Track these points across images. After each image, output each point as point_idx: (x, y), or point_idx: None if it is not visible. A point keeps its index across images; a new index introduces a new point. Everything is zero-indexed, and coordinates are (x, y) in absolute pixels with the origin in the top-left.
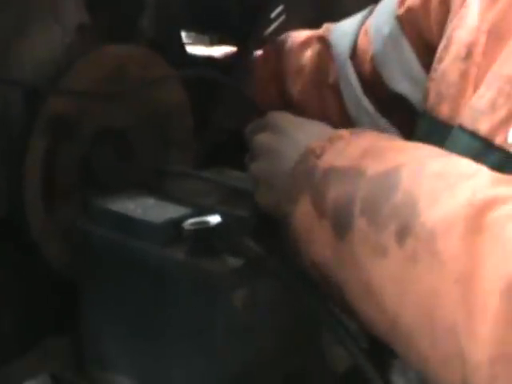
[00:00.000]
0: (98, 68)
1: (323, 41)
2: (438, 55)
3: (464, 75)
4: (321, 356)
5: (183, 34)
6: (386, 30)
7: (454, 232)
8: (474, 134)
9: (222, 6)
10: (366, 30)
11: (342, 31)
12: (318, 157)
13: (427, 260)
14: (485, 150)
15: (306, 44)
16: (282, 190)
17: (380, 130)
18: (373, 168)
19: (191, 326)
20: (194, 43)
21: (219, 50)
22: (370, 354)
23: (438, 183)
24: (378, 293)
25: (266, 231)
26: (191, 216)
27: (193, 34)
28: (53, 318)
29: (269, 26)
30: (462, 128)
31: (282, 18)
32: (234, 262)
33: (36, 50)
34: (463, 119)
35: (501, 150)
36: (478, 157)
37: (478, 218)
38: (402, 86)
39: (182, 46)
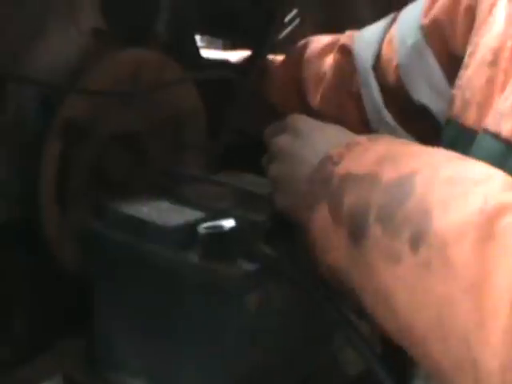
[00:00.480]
0: (112, 72)
1: (346, 49)
2: (464, 63)
3: (490, 81)
4: (333, 359)
5: (197, 38)
6: (410, 40)
7: (465, 240)
8: (496, 137)
9: (236, 10)
10: (390, 39)
11: (366, 40)
12: (336, 164)
13: (440, 268)
14: (507, 152)
15: (326, 51)
16: (300, 195)
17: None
18: (388, 175)
19: (204, 328)
20: (207, 46)
21: (233, 54)
22: (383, 358)
23: (451, 190)
24: (391, 299)
25: (279, 235)
26: (205, 220)
27: (206, 37)
28: (66, 320)
29: (283, 29)
30: (486, 132)
31: (296, 21)
32: (247, 265)
33: (52, 53)
34: (488, 123)
35: None
36: (501, 160)
37: (489, 225)
38: (425, 97)
39: (196, 49)
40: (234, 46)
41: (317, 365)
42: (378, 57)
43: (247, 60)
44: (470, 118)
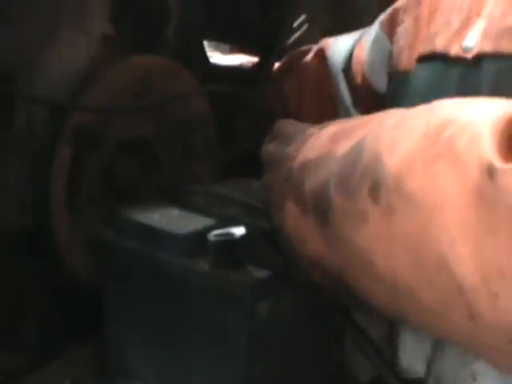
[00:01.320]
0: (122, 78)
1: (322, 53)
2: (399, 20)
3: (417, 19)
4: (344, 366)
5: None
6: (371, 36)
7: (415, 168)
8: (431, 56)
9: (244, 16)
10: (361, 45)
11: (340, 45)
12: (294, 159)
13: (403, 206)
14: (444, 68)
15: (310, 58)
16: (271, 200)
17: None
18: (341, 147)
19: (215, 336)
20: (214, 50)
21: (240, 58)
22: (393, 365)
23: (397, 131)
24: (370, 261)
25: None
26: (215, 227)
27: (214, 42)
28: (76, 327)
29: (291, 35)
30: (420, 58)
31: (305, 27)
32: (258, 273)
33: (63, 60)
34: (421, 49)
35: (458, 60)
36: (438, 78)
37: (433, 145)
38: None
39: (205, 55)
40: (241, 50)
41: (327, 372)
42: (349, 60)
43: (255, 66)
44: (402, 62)
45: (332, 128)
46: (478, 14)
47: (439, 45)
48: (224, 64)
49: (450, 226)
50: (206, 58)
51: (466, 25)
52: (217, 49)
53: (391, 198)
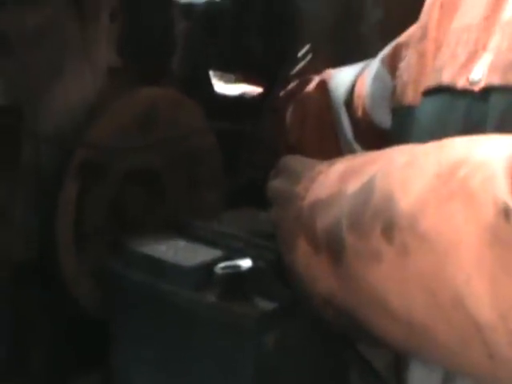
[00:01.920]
0: (129, 111)
1: (323, 85)
2: (402, 56)
3: (422, 55)
4: None
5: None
6: (373, 71)
7: (429, 209)
8: (437, 88)
9: (249, 46)
10: (363, 77)
11: (342, 77)
12: (303, 198)
13: (417, 246)
14: (450, 100)
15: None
16: (281, 239)
17: None
18: (352, 186)
19: (222, 368)
20: (218, 81)
21: (245, 88)
22: None
23: (408, 171)
24: (384, 299)
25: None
26: (222, 259)
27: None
28: (82, 358)
29: (295, 65)
30: (426, 92)
31: (309, 57)
32: (264, 305)
33: (69, 92)
34: (427, 83)
35: (465, 93)
36: (445, 111)
37: (446, 185)
38: (388, 121)
39: (210, 85)
40: (245, 80)
41: None
42: (351, 93)
43: (260, 95)
44: (407, 97)
45: (340, 166)
46: (485, 48)
47: (446, 78)
48: (229, 94)
49: (466, 265)
50: (211, 88)
51: (472, 58)
52: (221, 78)
53: (405, 237)
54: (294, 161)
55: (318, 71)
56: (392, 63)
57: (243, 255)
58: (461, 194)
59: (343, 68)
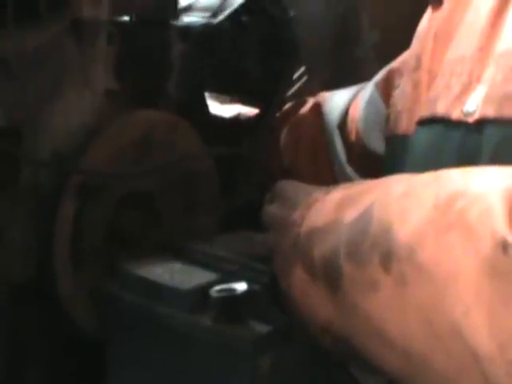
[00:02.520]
0: (126, 133)
1: (317, 108)
2: (395, 84)
3: (416, 85)
4: None
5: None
6: (367, 95)
7: (427, 240)
8: (431, 119)
9: (244, 68)
10: (357, 101)
11: (336, 100)
12: (300, 225)
13: (415, 277)
14: (445, 131)
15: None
16: (277, 265)
17: None
18: (349, 215)
19: None
20: (213, 101)
21: (240, 109)
22: None
23: (406, 201)
24: (382, 328)
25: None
26: (218, 282)
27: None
28: (79, 378)
29: (291, 87)
30: (420, 122)
31: (304, 78)
32: (260, 328)
33: (67, 114)
34: (421, 113)
35: (459, 124)
36: (439, 141)
37: (444, 216)
38: (380, 146)
39: (205, 106)
40: (240, 101)
41: None
42: (345, 116)
43: (255, 117)
44: (401, 126)
45: (337, 194)
46: (479, 79)
47: (440, 109)
48: (224, 115)
49: (465, 296)
50: (207, 110)
51: (466, 89)
52: (216, 99)
53: (403, 268)
54: (289, 186)
55: (314, 93)
56: (385, 89)
57: (239, 278)
58: (459, 226)
59: (338, 91)
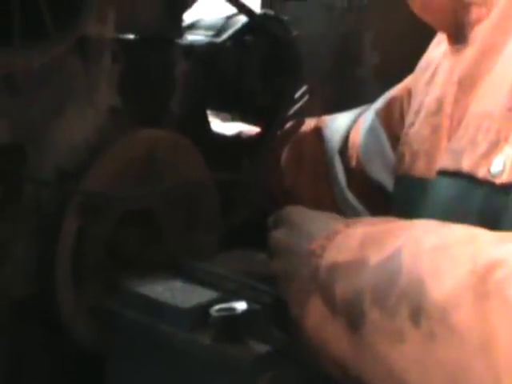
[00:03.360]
0: (128, 153)
1: (318, 132)
2: (408, 121)
3: (436, 129)
4: None
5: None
6: (367, 123)
7: (463, 304)
8: (456, 173)
9: (246, 86)
10: (358, 126)
11: (337, 125)
12: (320, 256)
13: (445, 337)
14: (469, 187)
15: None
16: (291, 293)
17: None
18: (374, 257)
19: None
20: (215, 119)
21: (241, 127)
22: None
23: (439, 257)
24: (402, 378)
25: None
26: (218, 301)
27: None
28: None
29: (292, 105)
30: (442, 171)
31: (306, 97)
32: (259, 348)
33: (70, 131)
34: (444, 163)
35: (485, 182)
36: (462, 196)
37: (482, 284)
38: (380, 174)
39: (207, 125)
40: (242, 119)
41: None
42: (345, 141)
43: (257, 136)
44: (419, 168)
45: (360, 230)
46: (507, 139)
47: (466, 165)
48: (226, 134)
49: (496, 364)
50: (209, 128)
51: (493, 149)
52: (217, 116)
53: (434, 325)
54: (296, 212)
55: (315, 112)
56: (386, 118)
57: (239, 297)
58: (497, 297)
59: (338, 114)
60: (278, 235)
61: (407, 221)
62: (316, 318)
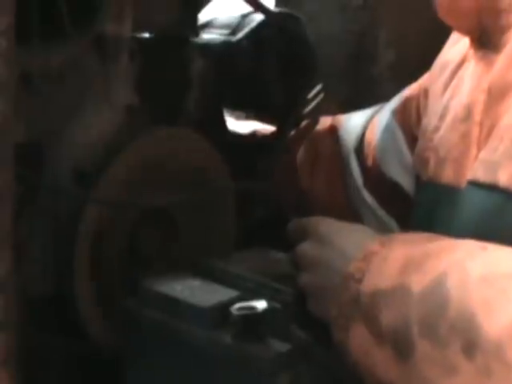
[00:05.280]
0: (146, 150)
1: (334, 131)
2: (431, 125)
3: (465, 136)
4: None
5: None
6: (383, 122)
7: None
8: (492, 187)
9: (261, 85)
10: (373, 125)
11: (352, 124)
12: (359, 281)
13: (501, 371)
14: (505, 202)
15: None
16: (332, 317)
17: (379, 220)
18: (417, 283)
19: None
20: (229, 117)
21: (255, 126)
22: None
23: (488, 290)
24: None
25: (310, 317)
26: (238, 300)
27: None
28: None
29: (307, 105)
30: (475, 183)
31: (320, 97)
32: (279, 346)
33: (88, 130)
34: (476, 174)
35: None
36: (498, 211)
37: None
38: (397, 174)
39: (223, 124)
40: (257, 117)
41: None
42: (361, 140)
43: (272, 135)
44: (447, 176)
45: (398, 251)
46: None
47: (503, 180)
48: (241, 132)
49: None
50: (225, 127)
51: None
52: (232, 115)
53: (489, 360)
54: (325, 225)
55: (330, 111)
56: (403, 118)
57: (258, 296)
58: None
59: (353, 114)
60: (307, 249)
61: (445, 240)
62: (360, 343)
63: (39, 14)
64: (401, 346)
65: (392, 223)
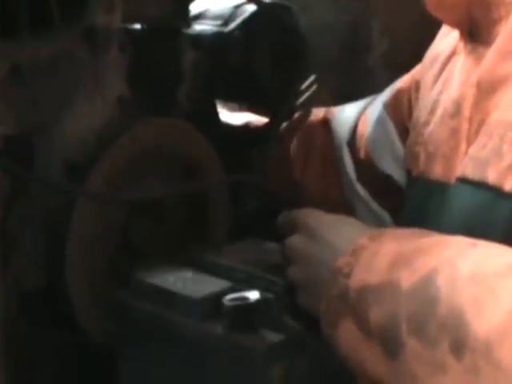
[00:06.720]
0: (138, 141)
1: (326, 123)
2: (421, 119)
3: (455, 131)
4: None
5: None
6: (375, 114)
7: (508, 340)
8: (480, 184)
9: (254, 76)
10: (365, 117)
11: (344, 116)
12: (347, 276)
13: (490, 372)
14: (494, 199)
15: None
16: (321, 311)
17: (372, 213)
18: (406, 279)
19: None
20: (222, 108)
21: (248, 117)
22: None
23: (477, 288)
24: None
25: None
26: (230, 291)
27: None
28: None
29: (300, 96)
30: (465, 180)
31: (314, 88)
32: (271, 337)
33: (79, 122)
34: (466, 171)
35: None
36: (486, 208)
37: None
38: (389, 167)
39: (216, 115)
40: (249, 109)
41: None
42: (353, 132)
43: (265, 126)
44: (436, 171)
45: (387, 246)
46: None
47: (492, 178)
48: (234, 123)
49: None
50: (217, 119)
51: None
52: (224, 106)
53: (477, 360)
54: (314, 218)
55: (324, 102)
56: (394, 110)
57: (250, 287)
58: None
59: (345, 106)
60: (296, 242)
61: (436, 236)
62: (349, 339)
63: (29, 5)
64: (390, 343)
65: (385, 216)
